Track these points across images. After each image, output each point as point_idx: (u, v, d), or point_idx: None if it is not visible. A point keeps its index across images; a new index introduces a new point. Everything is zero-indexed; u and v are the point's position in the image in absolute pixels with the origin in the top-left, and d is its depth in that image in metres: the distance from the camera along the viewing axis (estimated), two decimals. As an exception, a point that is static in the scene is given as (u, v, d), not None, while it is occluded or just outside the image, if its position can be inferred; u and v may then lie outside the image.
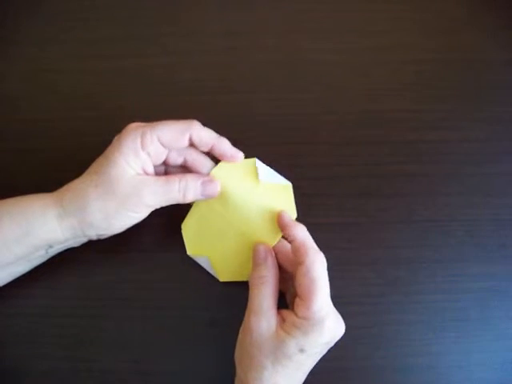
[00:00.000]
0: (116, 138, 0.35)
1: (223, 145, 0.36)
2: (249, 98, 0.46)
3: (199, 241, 0.38)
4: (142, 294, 0.40)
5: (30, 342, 0.38)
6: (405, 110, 0.46)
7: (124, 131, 0.34)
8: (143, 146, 0.34)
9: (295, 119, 0.45)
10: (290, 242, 0.34)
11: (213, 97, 0.46)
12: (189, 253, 0.39)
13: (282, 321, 0.33)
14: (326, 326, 0.32)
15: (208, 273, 0.39)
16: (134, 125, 0.35)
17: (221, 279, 0.39)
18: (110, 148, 0.34)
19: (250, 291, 0.34)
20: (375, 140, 0.45)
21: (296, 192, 0.43)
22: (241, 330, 0.34)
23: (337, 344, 0.34)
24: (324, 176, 0.43)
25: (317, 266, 0.32)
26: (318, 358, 0.34)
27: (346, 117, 0.45)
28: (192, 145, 0.36)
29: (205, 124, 0.45)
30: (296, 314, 0.32)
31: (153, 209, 0.35)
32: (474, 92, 0.46)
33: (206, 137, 0.36)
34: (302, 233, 0.34)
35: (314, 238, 0.40)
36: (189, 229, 0.38)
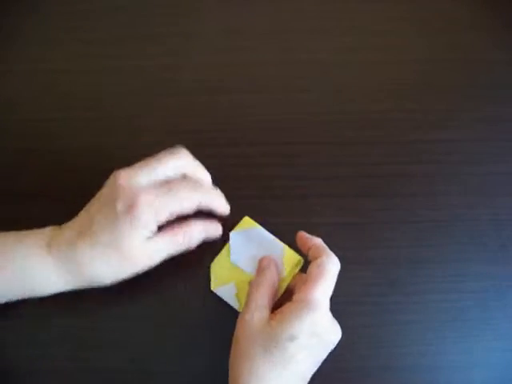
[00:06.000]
0: (125, 210, 0.33)
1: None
2: (249, 98, 0.46)
3: (225, 274, 0.39)
4: (142, 293, 0.40)
5: (31, 341, 0.38)
6: (405, 110, 0.46)
7: (136, 208, 0.33)
8: (158, 222, 0.34)
9: (295, 119, 0.45)
10: (308, 252, 0.36)
11: (213, 97, 0.46)
12: (213, 288, 0.39)
13: (274, 315, 0.34)
14: (318, 314, 0.32)
15: (209, 273, 0.39)
16: (144, 201, 0.33)
17: None
18: (120, 221, 0.33)
19: (248, 292, 0.36)
20: (375, 140, 0.45)
21: (296, 192, 0.43)
22: (235, 329, 0.35)
23: (337, 344, 0.34)
24: (324, 176, 0.43)
25: (331, 265, 0.34)
26: (310, 359, 0.33)
27: (346, 117, 0.45)
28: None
29: (205, 124, 0.45)
30: (291, 300, 0.34)
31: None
32: (473, 92, 0.46)
33: (215, 205, 0.38)
34: (320, 241, 0.37)
35: (314, 237, 0.40)
36: (217, 266, 0.39)
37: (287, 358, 0.32)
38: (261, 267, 0.37)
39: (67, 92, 0.46)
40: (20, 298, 0.36)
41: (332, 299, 0.34)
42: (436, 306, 0.40)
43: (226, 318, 0.37)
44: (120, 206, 0.34)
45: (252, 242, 0.39)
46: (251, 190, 0.43)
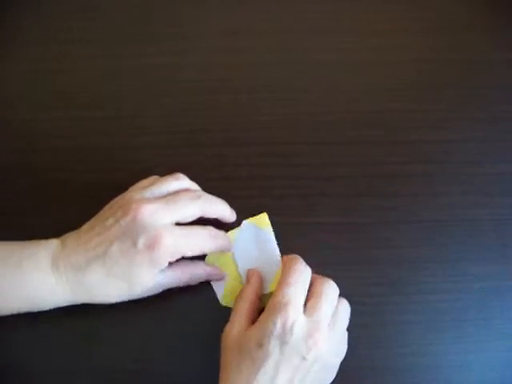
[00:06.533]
0: (146, 248, 0.34)
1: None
2: (249, 97, 0.46)
3: (221, 258, 0.39)
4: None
5: (31, 341, 0.38)
6: (405, 110, 0.46)
7: (157, 247, 0.34)
8: (170, 260, 0.35)
9: (295, 119, 0.45)
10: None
11: (213, 96, 0.46)
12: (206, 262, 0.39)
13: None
14: (283, 318, 0.32)
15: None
16: (166, 242, 0.34)
17: (223, 303, 0.39)
18: (138, 257, 0.34)
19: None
20: (375, 140, 0.45)
21: (296, 192, 0.43)
22: None
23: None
24: (324, 176, 0.43)
25: (294, 266, 0.35)
26: (285, 370, 0.31)
27: (346, 117, 0.45)
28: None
29: (205, 124, 0.45)
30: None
31: None
32: (474, 92, 0.46)
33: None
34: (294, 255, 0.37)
35: (314, 238, 0.41)
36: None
37: (256, 365, 0.31)
38: (246, 278, 0.38)
39: (67, 92, 0.46)
40: (16, 312, 0.36)
41: (332, 299, 0.34)
42: (436, 306, 0.40)
43: (227, 318, 0.37)
44: (141, 244, 0.33)
45: (256, 243, 0.40)
46: (251, 190, 0.43)
